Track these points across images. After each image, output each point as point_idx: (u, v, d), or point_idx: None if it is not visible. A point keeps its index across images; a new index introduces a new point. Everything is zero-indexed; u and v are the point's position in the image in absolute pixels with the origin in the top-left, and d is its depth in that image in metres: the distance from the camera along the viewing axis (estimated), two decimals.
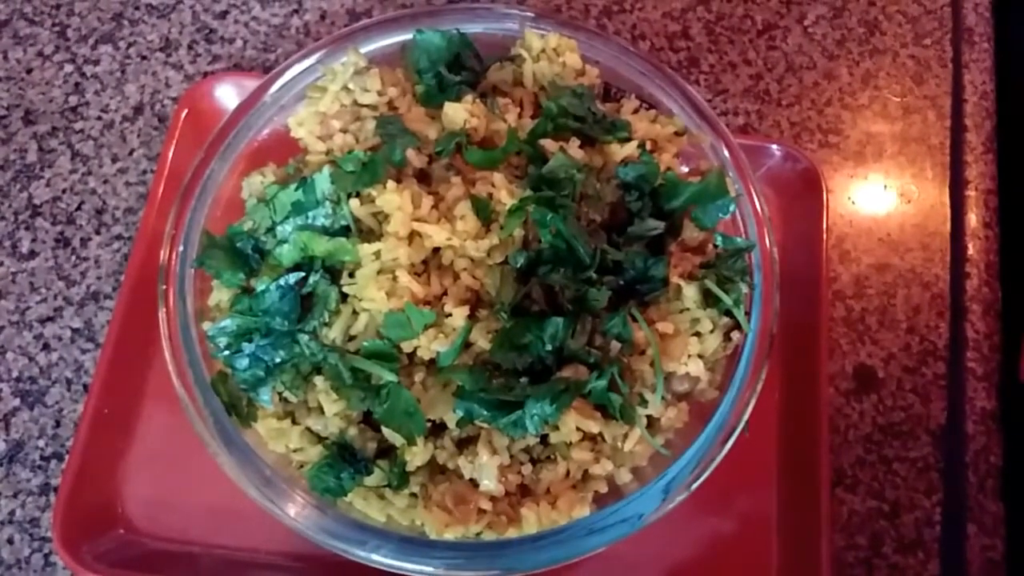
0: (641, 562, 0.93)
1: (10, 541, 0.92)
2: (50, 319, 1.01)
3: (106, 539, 0.90)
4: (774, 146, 1.06)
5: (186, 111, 1.04)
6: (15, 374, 0.98)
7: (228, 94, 1.06)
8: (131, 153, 1.08)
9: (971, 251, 1.09)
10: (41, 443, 0.96)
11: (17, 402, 0.97)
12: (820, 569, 0.89)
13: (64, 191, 1.06)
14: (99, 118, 1.10)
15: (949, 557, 0.97)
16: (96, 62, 1.13)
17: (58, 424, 0.97)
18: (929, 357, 1.05)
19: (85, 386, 0.98)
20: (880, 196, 1.13)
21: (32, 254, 1.03)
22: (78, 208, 1.06)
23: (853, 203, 1.12)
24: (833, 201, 1.09)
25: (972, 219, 1.11)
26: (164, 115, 1.10)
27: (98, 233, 1.04)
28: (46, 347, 0.99)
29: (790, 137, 1.15)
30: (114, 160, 1.08)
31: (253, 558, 0.90)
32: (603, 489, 0.74)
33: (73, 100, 1.11)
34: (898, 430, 1.01)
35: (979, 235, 1.10)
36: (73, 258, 1.03)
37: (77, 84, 1.12)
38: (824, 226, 1.03)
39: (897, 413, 1.02)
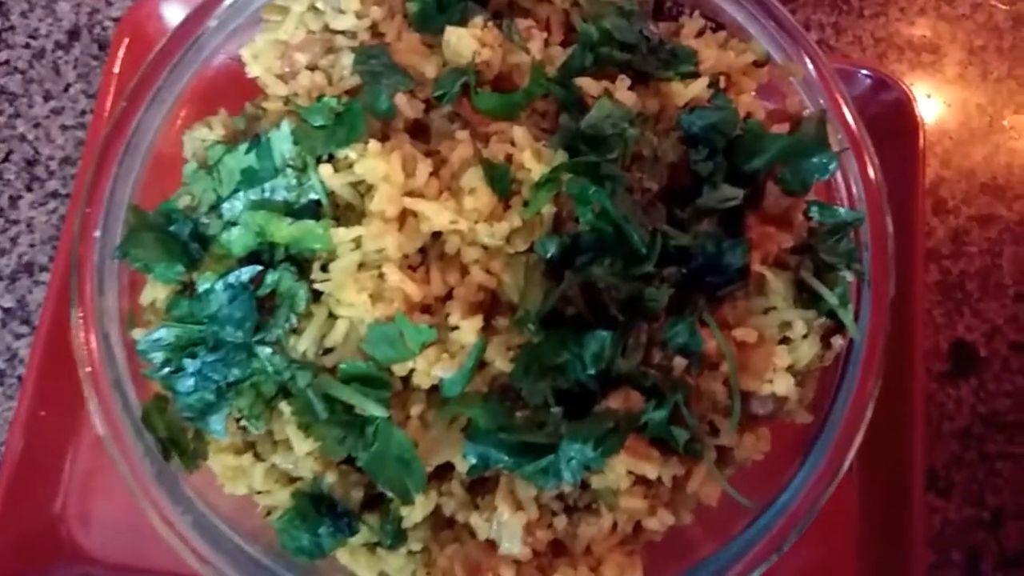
0: None
1: None
2: None
3: (53, 572, 0.76)
4: (862, 71, 0.88)
5: (129, 36, 0.86)
6: None
7: (180, 14, 0.84)
8: (66, 89, 0.91)
9: None
10: None
11: None
12: None
13: None
14: (27, 46, 0.93)
15: None
16: None
17: None
18: None
19: (20, 379, 0.83)
20: (984, 130, 0.95)
21: None
22: (5, 159, 0.89)
23: (950, 139, 0.95)
24: (926, 138, 0.91)
25: None
26: (105, 41, 0.93)
27: (30, 190, 0.89)
28: None
29: (874, 56, 0.97)
30: (46, 98, 0.91)
31: None
32: (658, 539, 0.58)
33: None
34: (1003, 421, 0.87)
35: None
36: (1, 221, 0.88)
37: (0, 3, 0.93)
38: (920, 170, 0.86)
39: (1002, 400, 0.87)
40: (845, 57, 0.95)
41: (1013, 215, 0.92)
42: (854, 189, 0.63)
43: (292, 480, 0.59)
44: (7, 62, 0.91)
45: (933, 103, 0.95)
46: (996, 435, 0.86)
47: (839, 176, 0.64)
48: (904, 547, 0.77)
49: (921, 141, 0.86)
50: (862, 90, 0.89)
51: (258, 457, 0.60)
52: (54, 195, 0.88)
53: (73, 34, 0.92)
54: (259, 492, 0.59)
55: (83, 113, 0.90)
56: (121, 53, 0.86)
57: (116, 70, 0.85)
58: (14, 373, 0.83)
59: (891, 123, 0.87)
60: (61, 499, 0.79)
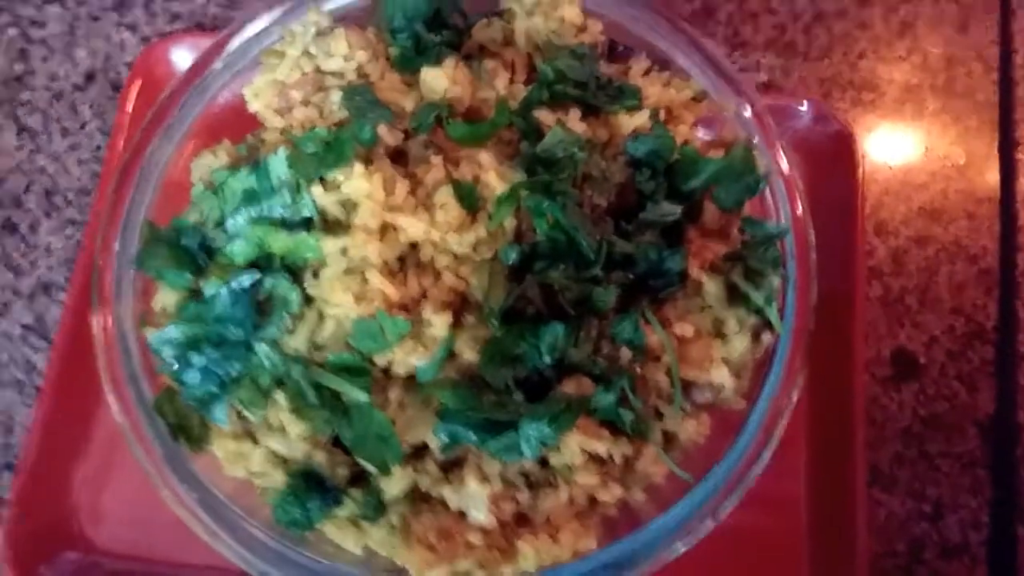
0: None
1: None
2: None
3: (65, 560, 0.82)
4: (803, 106, 0.94)
5: (140, 79, 0.94)
6: None
7: (187, 58, 0.94)
8: (83, 126, 0.98)
9: (1023, 220, 0.98)
10: None
11: None
12: None
13: (10, 170, 0.97)
14: (47, 88, 1.00)
15: (998, 563, 0.89)
16: (43, 24, 1.02)
17: (9, 431, 0.88)
18: (976, 340, 0.95)
19: (38, 388, 0.89)
20: (921, 160, 1.02)
21: None
22: (26, 189, 0.96)
23: (890, 168, 1.01)
24: (868, 166, 0.99)
25: None
26: (119, 83, 1.00)
27: (48, 217, 0.95)
28: None
29: (819, 95, 1.03)
30: (64, 134, 0.98)
31: None
32: (612, 513, 0.65)
33: (18, 68, 1.00)
34: (941, 422, 0.93)
35: None
36: (22, 245, 0.94)
37: (22, 50, 1.01)
38: (860, 196, 0.92)
39: (940, 403, 0.93)
40: (793, 95, 1.01)
41: (948, 236, 0.98)
42: (782, 208, 0.71)
43: (285, 463, 0.65)
44: (29, 102, 0.99)
45: (875, 136, 1.02)
46: (935, 435, 0.92)
47: (771, 197, 0.71)
48: (851, 538, 0.81)
49: (860, 169, 0.92)
50: (807, 124, 0.95)
51: (255, 442, 0.64)
52: (71, 222, 0.95)
53: (89, 77, 1.00)
54: (256, 474, 0.65)
55: (98, 148, 0.97)
56: (133, 94, 0.93)
57: (129, 109, 0.92)
58: (32, 383, 0.90)
59: (833, 153, 0.93)
60: (73, 495, 0.84)
